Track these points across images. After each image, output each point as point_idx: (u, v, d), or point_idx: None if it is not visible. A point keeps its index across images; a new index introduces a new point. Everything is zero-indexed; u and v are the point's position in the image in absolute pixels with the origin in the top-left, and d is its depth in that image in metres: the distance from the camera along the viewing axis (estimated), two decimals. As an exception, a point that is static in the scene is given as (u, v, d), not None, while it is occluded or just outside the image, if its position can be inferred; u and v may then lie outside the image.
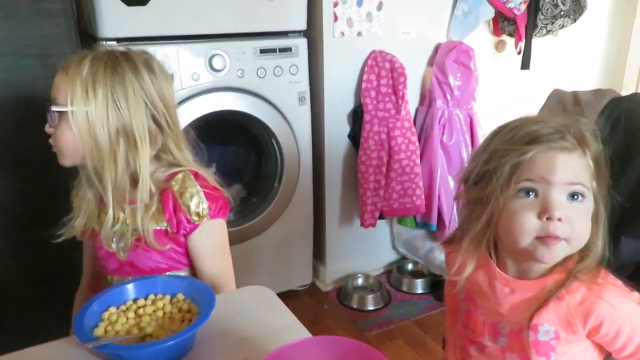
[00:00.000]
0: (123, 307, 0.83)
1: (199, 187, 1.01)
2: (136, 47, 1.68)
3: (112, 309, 0.82)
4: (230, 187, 2.24)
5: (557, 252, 0.77)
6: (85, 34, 1.74)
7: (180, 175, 1.01)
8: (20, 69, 1.47)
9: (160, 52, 1.78)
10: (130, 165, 0.98)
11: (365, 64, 2.16)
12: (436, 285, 2.35)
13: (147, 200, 0.98)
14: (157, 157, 1.04)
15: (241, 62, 1.93)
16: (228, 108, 1.94)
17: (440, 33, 2.32)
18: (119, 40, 1.71)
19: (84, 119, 0.96)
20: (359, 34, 2.13)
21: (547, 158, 0.76)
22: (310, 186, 2.22)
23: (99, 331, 0.77)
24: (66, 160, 1.01)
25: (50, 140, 1.01)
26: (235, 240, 2.09)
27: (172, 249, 1.02)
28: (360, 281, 2.40)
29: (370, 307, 2.26)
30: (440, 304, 2.27)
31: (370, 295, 2.28)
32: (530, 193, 0.77)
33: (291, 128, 2.07)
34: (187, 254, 1.05)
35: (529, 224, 0.76)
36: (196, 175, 1.03)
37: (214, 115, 1.91)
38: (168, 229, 1.00)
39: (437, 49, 2.30)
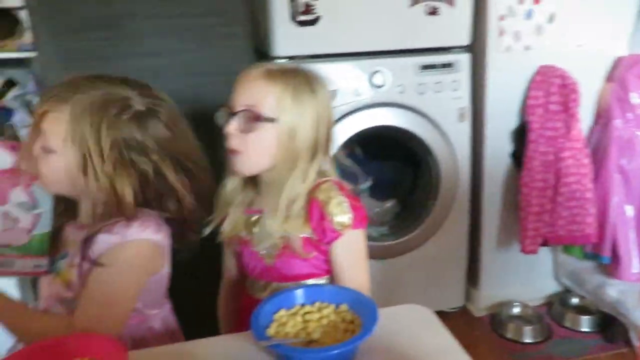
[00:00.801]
0: (292, 311, 0.87)
1: (343, 197, 1.02)
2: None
3: (283, 312, 0.86)
4: (385, 202, 2.25)
5: None
6: (259, 52, 1.89)
7: (325, 185, 1.04)
8: (205, 86, 1.64)
9: (325, 69, 1.86)
10: (301, 177, 1.02)
11: (532, 79, 2.03)
12: (606, 324, 2.11)
13: (298, 209, 1.02)
14: None
15: (402, 78, 1.94)
16: (387, 123, 1.96)
17: (621, 45, 2.10)
18: (289, 58, 1.83)
19: (287, 129, 1.00)
20: (527, 47, 2.02)
21: None
22: (467, 205, 2.14)
23: (271, 331, 0.82)
24: (249, 168, 1.04)
25: (235, 144, 1.02)
26: (386, 254, 2.10)
27: (316, 256, 1.05)
28: (517, 310, 2.24)
29: (528, 340, 2.10)
30: (610, 346, 2.03)
31: (528, 327, 2.12)
32: None
33: (450, 145, 2.03)
34: (328, 262, 1.06)
35: None
36: (340, 186, 1.05)
37: (373, 130, 1.95)
38: (313, 237, 1.02)
39: (617, 63, 2.09)
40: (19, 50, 2.04)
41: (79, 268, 0.95)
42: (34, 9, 1.54)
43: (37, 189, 0.98)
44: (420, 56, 1.95)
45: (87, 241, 0.93)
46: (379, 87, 1.92)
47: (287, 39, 1.81)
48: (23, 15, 1.97)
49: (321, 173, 1.07)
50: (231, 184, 1.09)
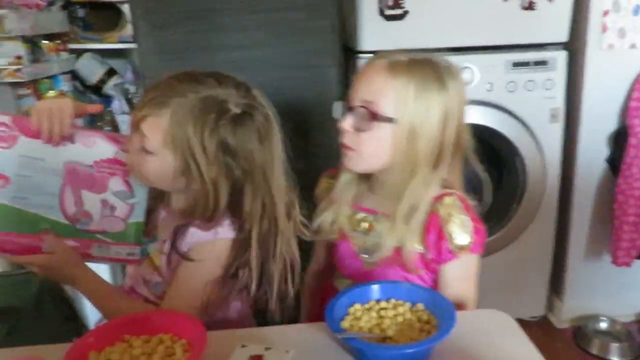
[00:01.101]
0: (367, 306, 0.87)
1: (468, 217, 0.93)
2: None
3: (357, 306, 0.86)
4: (464, 203, 2.19)
5: None
6: (345, 47, 1.89)
7: (448, 199, 0.94)
8: (291, 79, 1.67)
9: (411, 65, 1.83)
10: (423, 184, 0.93)
11: (637, 79, 1.89)
12: None
13: (416, 221, 0.93)
14: None
15: (491, 76, 1.87)
16: (472, 122, 1.88)
17: None
18: (375, 52, 1.81)
19: (407, 130, 0.90)
20: (633, 46, 1.88)
21: None
22: (555, 211, 2.04)
23: (345, 324, 0.82)
24: (360, 166, 0.97)
25: (348, 141, 0.95)
26: (464, 257, 2.04)
27: (421, 275, 0.98)
28: (604, 325, 2.10)
29: (614, 358, 1.97)
30: None
31: (616, 344, 1.99)
32: None
33: (539, 147, 1.93)
34: (435, 282, 1.00)
35: None
36: (464, 203, 0.95)
37: (457, 128, 1.89)
38: (427, 254, 0.95)
39: None
40: (119, 41, 2.18)
41: (168, 256, 0.99)
42: (136, 2, 1.63)
43: (134, 179, 1.02)
44: (511, 53, 1.87)
45: (178, 232, 0.95)
46: (466, 84, 1.86)
47: (373, 33, 1.80)
48: (125, 8, 2.10)
49: (444, 182, 0.97)
50: (345, 178, 1.03)
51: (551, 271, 2.14)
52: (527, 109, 1.90)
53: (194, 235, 0.94)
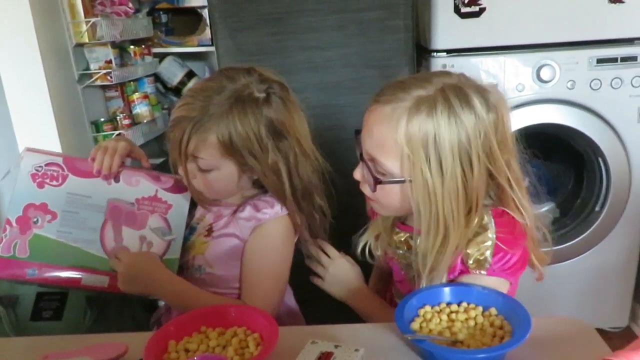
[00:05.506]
0: (437, 308, 0.86)
1: (494, 236, 0.84)
2: (464, 59, 1.76)
3: (428, 308, 0.85)
4: (541, 205, 2.10)
5: None
6: (418, 46, 1.87)
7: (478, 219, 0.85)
8: (364, 79, 1.68)
9: (486, 63, 1.79)
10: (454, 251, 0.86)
11: None
12: None
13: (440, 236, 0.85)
14: None
15: (573, 73, 1.78)
16: (552, 121, 1.82)
17: None
18: (448, 51, 1.79)
19: (422, 189, 0.80)
20: None
21: None
22: (641, 216, 1.92)
23: (415, 325, 0.82)
24: (385, 213, 0.94)
25: (363, 189, 0.89)
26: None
27: None
28: (695, 340, 1.95)
29: None
30: None
31: None
32: None
33: (625, 148, 1.82)
34: None
35: None
36: (499, 216, 0.85)
37: (534, 127, 1.82)
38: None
39: None
40: (199, 45, 2.28)
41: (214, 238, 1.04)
42: (215, 7, 1.69)
43: (172, 217, 1.06)
44: (596, 48, 1.78)
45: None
46: (546, 82, 1.79)
47: (448, 31, 1.76)
48: (205, 13, 2.19)
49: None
50: None
51: (636, 279, 2.01)
52: (612, 107, 1.80)
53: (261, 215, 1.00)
